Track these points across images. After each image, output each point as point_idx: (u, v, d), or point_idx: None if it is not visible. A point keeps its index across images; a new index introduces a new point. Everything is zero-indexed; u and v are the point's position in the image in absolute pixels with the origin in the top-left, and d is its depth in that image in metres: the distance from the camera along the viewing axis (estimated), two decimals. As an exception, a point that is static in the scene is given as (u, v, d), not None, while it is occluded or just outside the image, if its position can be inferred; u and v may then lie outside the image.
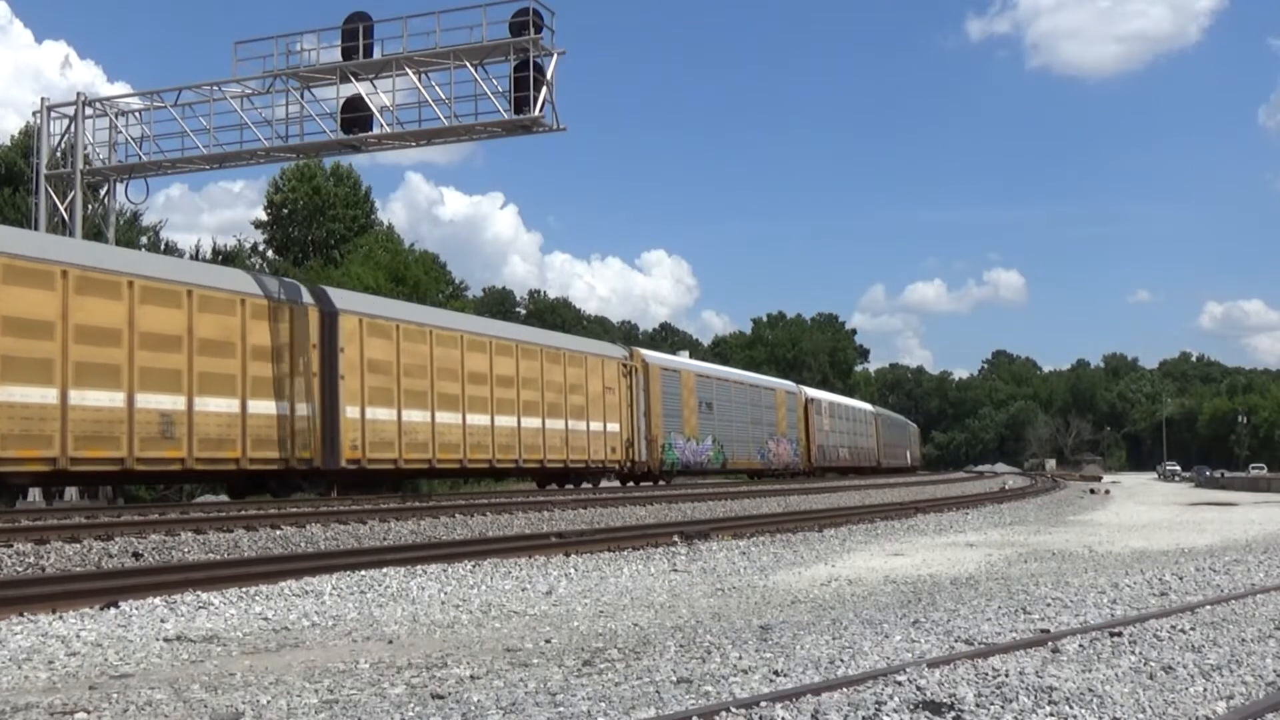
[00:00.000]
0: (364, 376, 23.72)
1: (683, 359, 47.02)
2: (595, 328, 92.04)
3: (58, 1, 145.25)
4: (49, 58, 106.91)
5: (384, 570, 11.07)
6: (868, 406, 71.84)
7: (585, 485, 31.95)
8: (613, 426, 33.18)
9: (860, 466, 61.84)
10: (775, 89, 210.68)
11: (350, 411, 23.23)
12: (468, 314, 35.85)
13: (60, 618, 8.24)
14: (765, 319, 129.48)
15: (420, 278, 54.57)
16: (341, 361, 23.16)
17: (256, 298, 21.71)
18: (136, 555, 12.03)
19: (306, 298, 23.12)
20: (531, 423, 29.21)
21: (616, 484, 35.20)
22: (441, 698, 5.62)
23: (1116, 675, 5.99)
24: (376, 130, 23.40)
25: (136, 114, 25.85)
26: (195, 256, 47.77)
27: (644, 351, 38.14)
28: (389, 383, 24.47)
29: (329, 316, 23.17)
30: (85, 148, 25.84)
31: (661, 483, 36.04)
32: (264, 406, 21.43)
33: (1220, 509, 31.97)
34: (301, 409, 22.27)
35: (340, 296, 24.79)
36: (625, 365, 34.59)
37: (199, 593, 9.41)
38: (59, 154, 26.16)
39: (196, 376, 19.98)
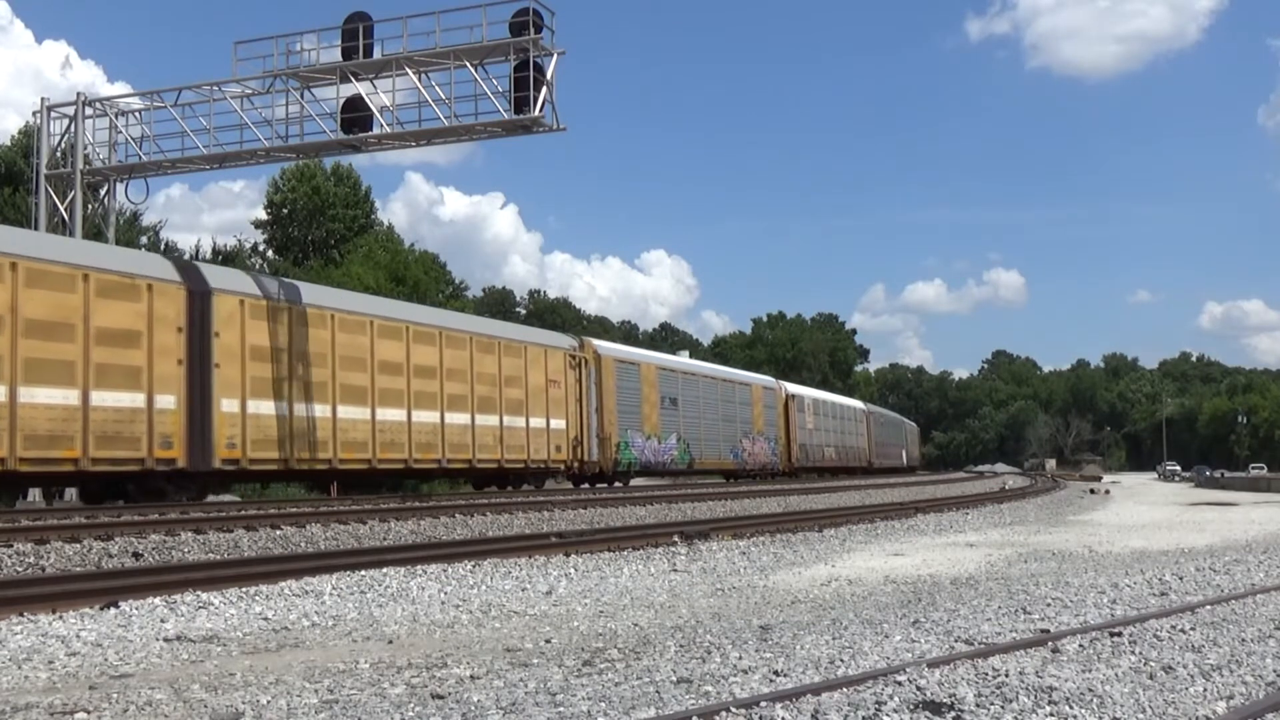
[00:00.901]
0: (245, 365, 21.08)
1: (642, 351, 44.08)
2: (595, 328, 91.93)
3: (58, 1, 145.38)
4: (49, 58, 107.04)
5: (384, 570, 11.07)
6: (858, 404, 69.19)
7: (526, 487, 29.50)
8: (558, 423, 30.40)
9: (849, 467, 59.54)
10: (775, 89, 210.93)
11: (227, 405, 20.68)
12: (384, 297, 32.04)
13: (60, 618, 8.24)
14: (765, 319, 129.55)
15: (420, 278, 54.60)
16: (216, 348, 20.54)
17: (104, 273, 19.06)
18: (136, 555, 12.03)
19: (170, 274, 20.49)
20: (458, 418, 26.33)
21: (569, 485, 33.28)
22: (441, 698, 5.62)
23: (1116, 675, 5.99)
24: (376, 130, 23.42)
25: (136, 114, 25.87)
26: (195, 256, 47.74)
27: (596, 342, 34.80)
28: (279, 372, 21.85)
29: (199, 296, 20.42)
30: (85, 148, 25.85)
31: (617, 485, 33.60)
32: (111, 398, 18.71)
33: (1220, 509, 31.97)
34: (164, 401, 19.57)
35: (217, 274, 22.05)
36: (573, 356, 31.63)
37: (199, 593, 9.41)
38: (59, 154, 26.17)
39: (21, 363, 17.47)
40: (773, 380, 52.87)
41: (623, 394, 34.10)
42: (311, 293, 24.24)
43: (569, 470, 31.54)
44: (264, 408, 21.44)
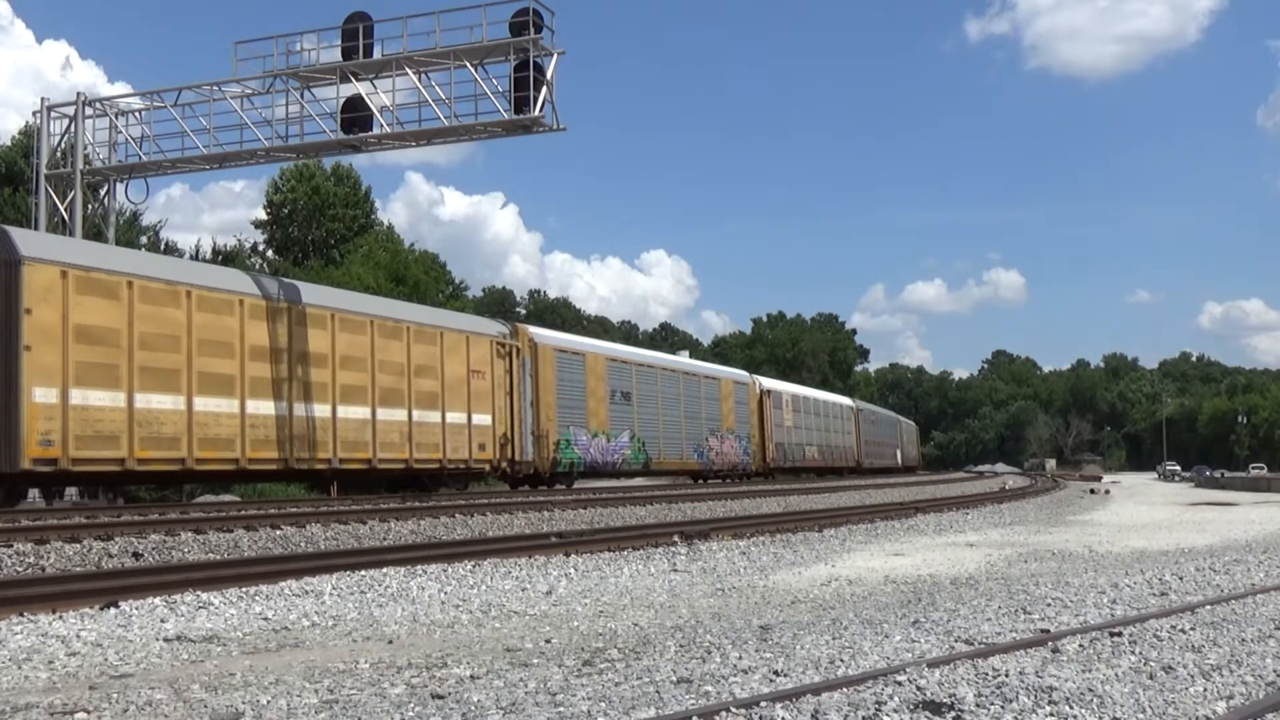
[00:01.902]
0: (68, 348, 18.12)
1: (589, 340, 39.71)
2: (595, 327, 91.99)
3: (59, 1, 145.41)
4: (50, 58, 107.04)
5: (384, 570, 11.08)
6: (846, 400, 65.36)
7: (446, 490, 26.29)
8: (482, 419, 27.04)
9: (835, 467, 56.11)
10: (775, 89, 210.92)
11: (42, 394, 17.73)
12: (264, 275, 28.75)
13: (60, 618, 8.24)
14: (765, 319, 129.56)
15: (420, 278, 54.60)
16: (27, 326, 17.61)
17: None
18: (136, 555, 12.03)
19: None
20: (353, 412, 23.09)
21: (506, 487, 30.15)
22: (441, 698, 5.62)
23: (1116, 675, 5.99)
24: (376, 130, 23.40)
25: (136, 114, 25.85)
26: (195, 256, 47.75)
27: (533, 329, 31.38)
28: (115, 357, 18.82)
29: (5, 266, 17.80)
30: (85, 148, 25.84)
31: (560, 486, 30.31)
32: None
33: (1220, 509, 31.96)
34: None
35: (30, 240, 19.10)
36: (503, 345, 28.20)
37: (199, 593, 9.42)
38: (59, 154, 26.16)
39: None
40: (745, 374, 48.89)
41: (565, 387, 30.77)
42: (162, 266, 21.64)
43: (496, 471, 28.35)
44: (94, 398, 18.50)
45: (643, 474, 38.31)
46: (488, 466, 27.65)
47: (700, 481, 40.14)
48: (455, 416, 26.14)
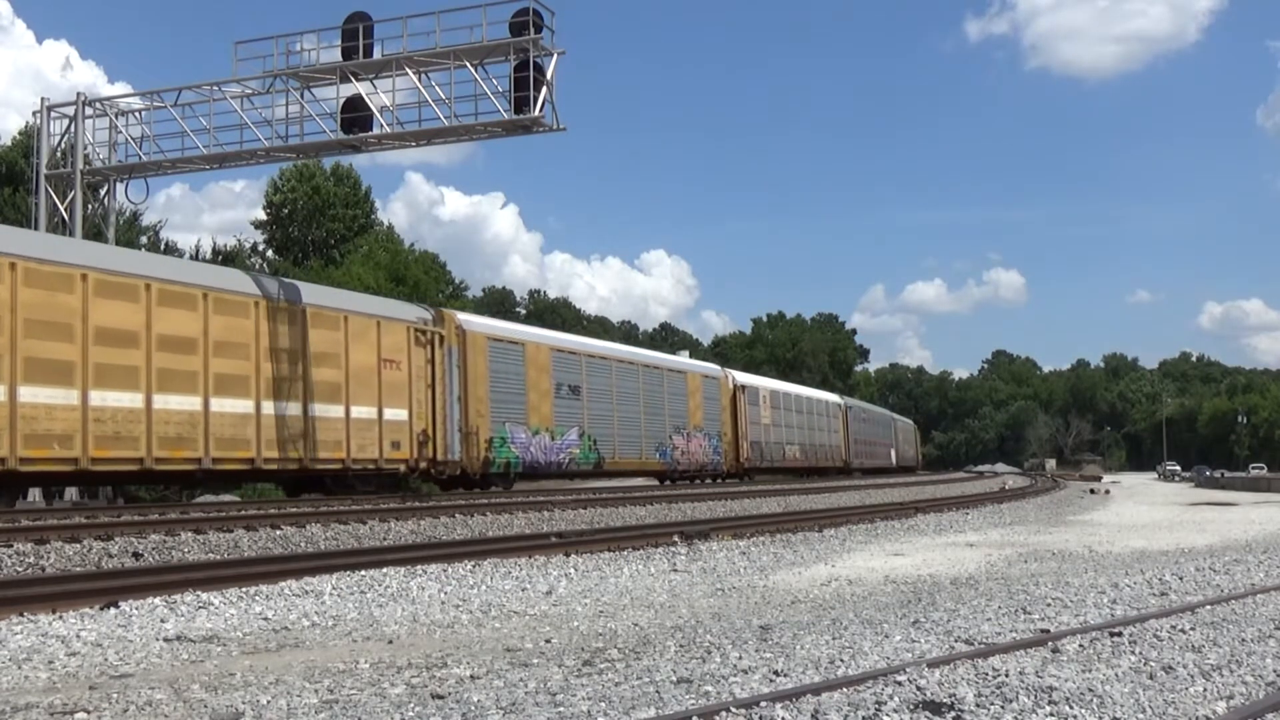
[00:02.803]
0: None
1: (530, 328, 36.45)
2: (595, 327, 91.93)
3: (59, 1, 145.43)
4: (50, 58, 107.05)
5: (384, 570, 11.08)
6: (833, 397, 61.81)
7: (356, 494, 23.40)
8: (397, 414, 24.19)
9: (820, 467, 53.08)
10: (775, 89, 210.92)
11: None
12: (125, 249, 25.37)
13: (60, 618, 8.24)
14: (765, 319, 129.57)
15: (420, 278, 54.61)
16: None
17: None
18: (136, 555, 12.03)
19: None
20: (233, 405, 20.33)
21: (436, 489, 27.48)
22: (441, 698, 5.62)
23: (1116, 675, 5.99)
24: (376, 130, 23.41)
25: (137, 114, 25.86)
26: (195, 256, 47.77)
27: (461, 315, 28.46)
28: None
29: None
30: (85, 148, 25.85)
31: (497, 488, 27.44)
32: None
33: (1220, 509, 31.97)
34: None
35: None
36: (422, 332, 25.28)
37: (199, 593, 9.42)
38: (59, 154, 26.18)
39: None
40: (716, 368, 45.87)
41: (500, 379, 27.90)
42: None
43: (414, 472, 25.54)
44: None
45: (595, 475, 34.89)
46: (403, 467, 24.71)
47: (665, 484, 37.38)
48: (362, 411, 23.32)
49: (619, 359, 35.68)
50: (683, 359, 47.27)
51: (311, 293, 23.73)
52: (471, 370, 26.74)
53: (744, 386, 44.75)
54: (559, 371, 30.86)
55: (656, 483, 37.70)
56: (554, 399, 30.31)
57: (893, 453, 72.16)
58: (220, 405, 20.22)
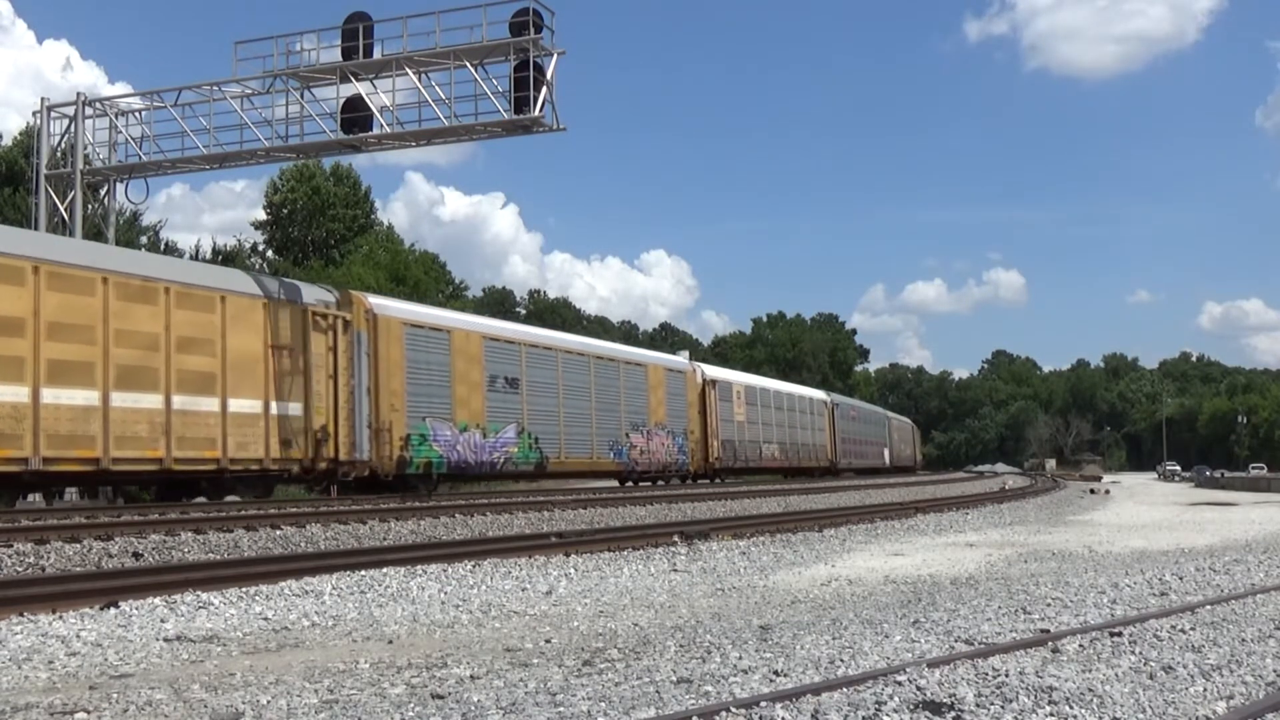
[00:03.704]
0: None
1: (456, 314, 32.68)
2: (595, 328, 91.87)
3: (60, 2, 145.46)
4: (50, 58, 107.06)
5: (384, 570, 11.08)
6: (818, 394, 58.42)
7: (236, 498, 21.05)
8: (289, 407, 21.59)
9: (803, 468, 50.56)
10: (775, 89, 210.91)
11: None
12: None
13: (60, 618, 8.24)
14: (765, 319, 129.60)
15: (420, 278, 54.66)
16: None
17: None
18: (136, 555, 12.04)
19: None
20: (69, 396, 17.78)
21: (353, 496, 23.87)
22: (441, 698, 5.62)
23: (1116, 675, 5.99)
24: (376, 130, 23.42)
25: (137, 114, 25.86)
26: (195, 256, 47.79)
27: (374, 298, 25.51)
28: None
29: None
30: (85, 148, 25.85)
31: (421, 489, 24.99)
32: None
33: (1220, 509, 31.97)
34: None
35: None
36: (323, 316, 22.61)
37: (199, 593, 9.42)
38: (59, 154, 26.17)
39: None
40: (683, 360, 42.79)
41: (420, 370, 25.17)
42: None
43: (310, 473, 22.79)
44: None
45: (537, 476, 31.83)
46: (296, 467, 22.01)
47: (625, 486, 34.98)
48: (244, 404, 20.69)
49: (566, 349, 32.57)
50: (644, 351, 44.11)
51: (176, 269, 21.61)
52: (385, 359, 23.99)
53: (714, 381, 42.11)
54: (493, 362, 28.05)
55: (617, 484, 35.67)
56: (486, 392, 27.51)
57: (886, 452, 69.52)
58: (55, 396, 17.63)
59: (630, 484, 35.47)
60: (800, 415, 51.76)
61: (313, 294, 23.32)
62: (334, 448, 22.48)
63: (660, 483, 36.34)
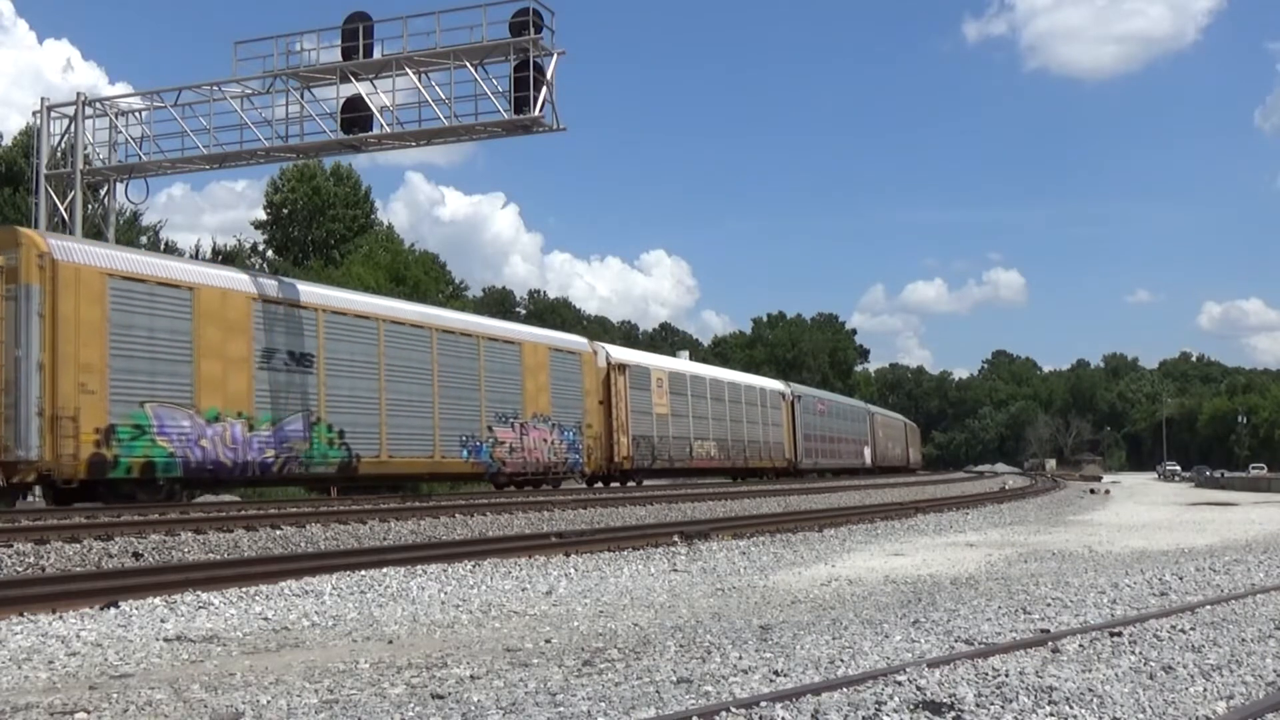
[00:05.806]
0: None
1: (209, 267, 25.35)
2: (595, 328, 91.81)
3: (61, 2, 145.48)
4: (51, 58, 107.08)
5: (384, 570, 11.08)
6: (775, 384, 51.66)
7: None
8: None
9: (751, 468, 45.23)
10: (775, 90, 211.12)
11: None
12: None
13: (60, 618, 8.24)
14: (765, 319, 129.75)
15: (420, 278, 54.66)
16: None
17: None
18: (136, 555, 12.03)
19: None
20: None
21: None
22: (441, 698, 5.62)
23: (1116, 675, 5.99)
24: (376, 130, 23.40)
25: (137, 114, 25.84)
26: (195, 256, 47.79)
27: (54, 240, 19.44)
28: None
29: None
30: (85, 148, 25.84)
31: (142, 497, 19.53)
32: None
33: (1220, 509, 31.96)
34: None
35: None
36: None
37: (199, 593, 9.42)
38: (59, 154, 26.16)
39: None
40: (579, 340, 35.57)
41: (133, 338, 19.46)
42: None
43: None
44: None
45: (341, 481, 25.86)
46: None
47: (500, 490, 29.06)
48: None
49: (392, 318, 25.79)
50: (517, 325, 36.52)
51: None
52: (68, 322, 18.36)
53: (623, 365, 35.60)
54: (270, 332, 22.24)
55: (493, 487, 30.09)
56: (256, 371, 21.76)
57: (868, 451, 63.37)
58: None
59: (512, 487, 29.71)
60: (749, 408, 45.76)
61: None
62: None
63: (547, 487, 30.51)
